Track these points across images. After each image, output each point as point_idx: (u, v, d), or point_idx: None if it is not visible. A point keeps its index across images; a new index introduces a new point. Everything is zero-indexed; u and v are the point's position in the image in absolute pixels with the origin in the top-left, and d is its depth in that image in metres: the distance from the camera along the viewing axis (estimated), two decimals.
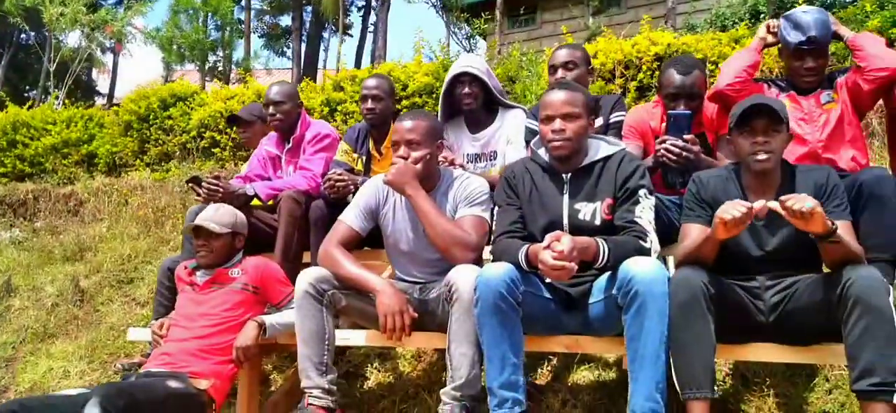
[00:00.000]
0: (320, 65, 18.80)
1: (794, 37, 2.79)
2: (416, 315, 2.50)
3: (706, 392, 2.05)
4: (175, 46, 12.95)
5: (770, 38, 2.95)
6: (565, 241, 2.13)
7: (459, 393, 2.34)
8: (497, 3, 11.71)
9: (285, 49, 18.43)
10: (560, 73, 3.25)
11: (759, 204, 2.00)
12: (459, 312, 2.33)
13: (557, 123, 2.43)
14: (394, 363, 3.55)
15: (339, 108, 6.49)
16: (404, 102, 6.24)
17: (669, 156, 2.70)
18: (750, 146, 2.25)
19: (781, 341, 2.24)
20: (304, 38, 19.28)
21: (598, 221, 2.42)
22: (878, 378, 1.90)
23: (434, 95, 6.06)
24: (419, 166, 2.59)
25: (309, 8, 17.68)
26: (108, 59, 15.64)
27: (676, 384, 2.10)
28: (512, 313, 2.23)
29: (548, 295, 2.43)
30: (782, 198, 1.97)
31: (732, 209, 2.00)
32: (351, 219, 2.71)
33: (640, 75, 5.65)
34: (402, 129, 2.61)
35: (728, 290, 2.22)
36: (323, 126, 3.69)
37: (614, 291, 2.22)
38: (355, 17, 21.95)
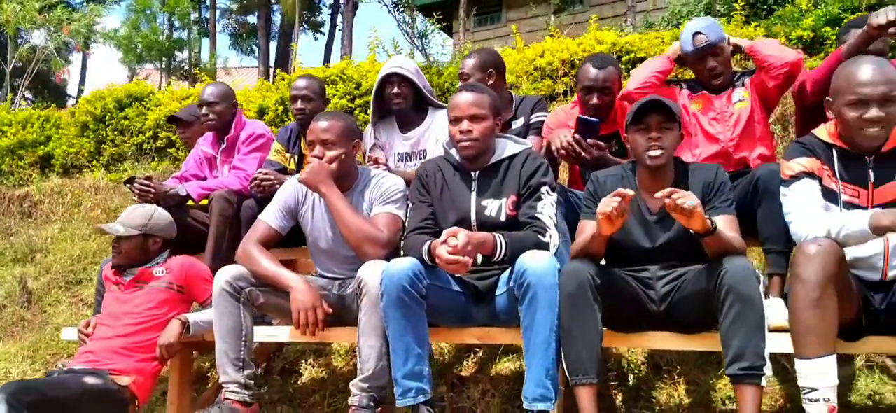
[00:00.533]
0: (295, 63, 18.77)
1: (690, 44, 2.91)
2: (330, 311, 2.57)
3: (591, 377, 2.14)
4: (133, 47, 12.85)
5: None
6: (461, 237, 2.22)
7: (367, 384, 2.42)
8: (460, 3, 11.78)
9: (254, 48, 18.40)
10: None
11: (629, 191, 2.09)
12: (367, 306, 2.41)
13: (465, 124, 2.52)
14: (328, 359, 3.63)
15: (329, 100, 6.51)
16: (358, 101, 6.32)
17: (561, 151, 2.83)
18: (645, 142, 2.35)
19: (673, 329, 2.34)
20: (276, 36, 19.24)
21: (503, 217, 2.51)
22: (747, 362, 2.01)
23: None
24: (334, 165, 2.66)
25: (277, 7, 17.64)
26: (72, 59, 15.50)
27: (565, 370, 2.20)
28: (415, 306, 2.32)
29: (457, 288, 2.52)
30: (669, 190, 2.07)
31: (608, 203, 2.10)
32: (270, 218, 2.78)
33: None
34: (318, 129, 2.68)
35: (620, 281, 2.32)
36: (257, 126, 3.74)
37: (511, 284, 2.31)
38: (326, 16, 21.96)
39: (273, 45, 19.07)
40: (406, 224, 2.69)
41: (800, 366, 1.95)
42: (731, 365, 2.04)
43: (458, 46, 12.53)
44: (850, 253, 2.18)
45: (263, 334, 2.81)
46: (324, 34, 22.26)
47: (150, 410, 3.42)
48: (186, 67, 14.28)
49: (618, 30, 7.30)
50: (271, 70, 16.19)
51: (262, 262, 2.64)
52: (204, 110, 3.66)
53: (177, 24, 14.36)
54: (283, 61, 18.71)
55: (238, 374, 2.58)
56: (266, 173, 3.21)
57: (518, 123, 3.37)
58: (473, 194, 2.56)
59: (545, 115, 3.33)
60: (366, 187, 2.75)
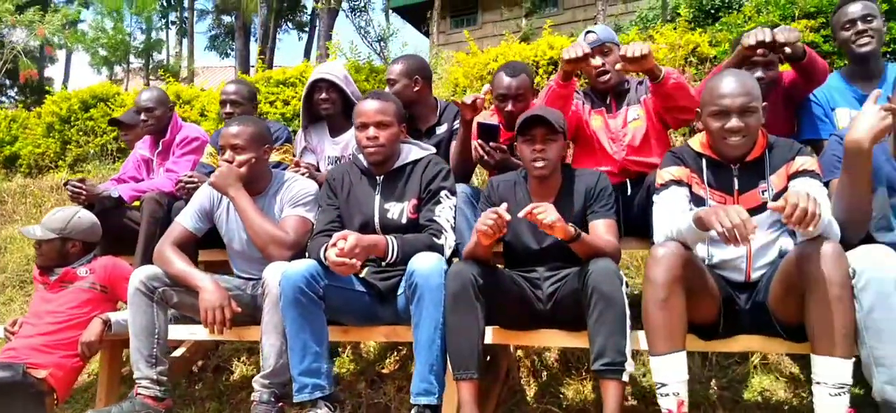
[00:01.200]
0: (277, 62, 18.89)
1: (584, 42, 3.00)
2: (238, 310, 2.67)
3: (472, 373, 2.25)
4: (99, 49, 12.90)
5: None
6: (350, 240, 2.33)
7: (268, 381, 2.53)
8: (434, 6, 11.90)
9: (229, 52, 18.48)
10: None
11: (503, 207, 2.19)
12: (269, 306, 2.51)
13: (371, 131, 2.63)
14: (258, 357, 3.72)
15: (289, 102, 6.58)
16: None
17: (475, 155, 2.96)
18: (530, 153, 2.47)
19: (558, 327, 2.46)
20: (255, 36, 19.28)
21: (404, 220, 2.63)
22: (608, 358, 2.13)
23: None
24: (243, 169, 2.76)
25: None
26: (58, 58, 15.51)
27: (450, 366, 2.31)
28: (312, 306, 2.42)
29: (360, 289, 2.63)
30: (530, 206, 2.18)
31: (483, 220, 2.19)
32: (186, 220, 2.88)
33: (537, 79, 5.88)
34: (228, 134, 2.78)
35: (508, 281, 2.43)
36: (192, 130, 3.84)
37: (404, 284, 2.43)
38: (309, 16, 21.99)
39: (254, 46, 19.26)
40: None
41: (652, 362, 2.07)
42: (595, 361, 2.16)
43: (434, 48, 12.67)
44: (717, 255, 2.31)
45: (180, 333, 2.90)
46: (306, 32, 22.39)
47: (85, 407, 3.51)
48: (166, 67, 14.36)
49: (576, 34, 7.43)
50: (253, 69, 16.26)
51: (176, 263, 2.74)
52: (142, 115, 3.76)
53: (156, 24, 14.45)
54: (266, 60, 18.77)
55: (150, 371, 2.68)
56: (190, 176, 3.31)
57: (442, 129, 3.47)
58: (378, 198, 2.68)
59: (489, 122, 3.43)
60: (278, 191, 2.85)
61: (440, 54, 8.58)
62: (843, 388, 1.89)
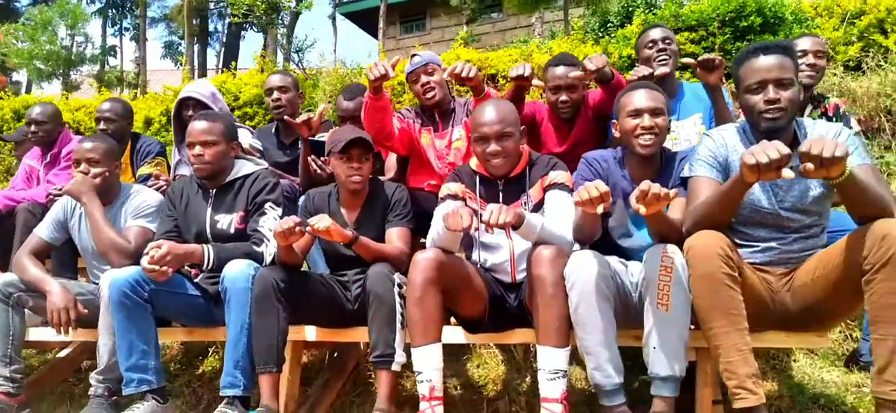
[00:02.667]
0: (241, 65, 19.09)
1: (411, 65, 3.32)
2: (85, 311, 2.93)
3: (271, 367, 2.54)
4: (35, 62, 13.01)
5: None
6: (164, 248, 2.60)
7: (102, 376, 2.79)
8: (381, 11, 12.18)
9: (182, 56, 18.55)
10: (275, 94, 3.72)
11: (322, 221, 2.46)
12: (102, 308, 2.77)
13: (197, 149, 2.90)
14: (209, 356, 3.95)
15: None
16: (237, 111, 6.65)
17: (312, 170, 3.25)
18: (347, 170, 2.77)
19: (365, 324, 2.73)
20: (219, 39, 19.41)
21: (232, 230, 2.90)
22: (379, 351, 2.43)
23: (263, 105, 6.49)
24: (97, 181, 3.03)
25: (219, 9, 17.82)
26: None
27: (255, 361, 2.58)
28: (137, 308, 2.68)
29: (195, 292, 2.90)
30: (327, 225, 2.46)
31: (283, 225, 2.45)
32: (42, 231, 3.14)
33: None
34: (83, 150, 3.05)
35: (317, 284, 2.71)
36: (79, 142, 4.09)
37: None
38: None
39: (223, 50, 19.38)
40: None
41: (412, 353, 2.37)
42: (371, 354, 2.45)
43: (395, 51, 12.94)
44: (489, 260, 2.62)
45: (36, 334, 3.15)
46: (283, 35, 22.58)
47: None
48: (119, 75, 14.50)
49: (512, 43, 7.77)
50: (211, 72, 16.40)
51: (29, 270, 3.00)
52: (32, 128, 3.99)
53: (110, 32, 14.58)
54: (227, 64, 18.95)
55: (4, 369, 2.93)
56: (59, 189, 3.54)
57: None
58: (209, 209, 2.95)
59: (320, 138, 3.72)
60: (124, 202, 3.12)
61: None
62: (558, 372, 2.20)
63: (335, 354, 3.53)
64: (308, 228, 2.46)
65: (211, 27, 20.15)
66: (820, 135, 2.23)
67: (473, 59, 6.33)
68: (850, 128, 3.20)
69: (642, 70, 2.99)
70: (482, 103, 2.60)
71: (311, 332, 2.81)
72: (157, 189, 3.37)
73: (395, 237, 2.71)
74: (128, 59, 16.54)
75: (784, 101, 2.16)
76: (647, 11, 6.39)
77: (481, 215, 2.56)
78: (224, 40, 20.08)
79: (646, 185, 1.98)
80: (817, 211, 2.26)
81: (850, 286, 2.03)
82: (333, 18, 13.99)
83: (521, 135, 2.56)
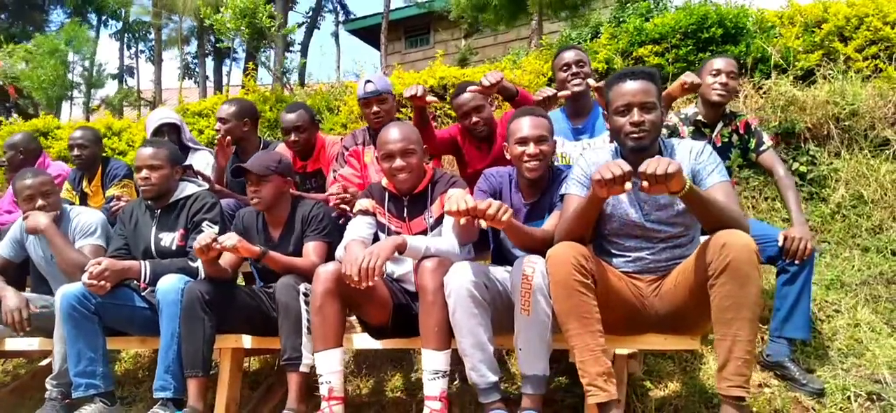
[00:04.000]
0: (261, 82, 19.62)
1: (362, 90, 3.55)
2: (36, 309, 3.22)
3: (198, 372, 2.79)
4: (41, 86, 13.54)
5: None
6: (102, 264, 2.87)
7: (56, 381, 3.07)
8: (382, 28, 12.49)
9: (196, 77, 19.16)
10: (218, 124, 4.00)
11: (229, 239, 2.70)
12: (57, 319, 3.06)
13: (144, 172, 3.17)
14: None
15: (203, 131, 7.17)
16: None
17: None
18: (249, 192, 3.04)
19: None
20: (233, 59, 19.93)
21: (174, 247, 3.18)
22: (288, 354, 2.67)
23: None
24: (55, 211, 3.33)
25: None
26: None
27: (184, 366, 2.83)
28: (84, 320, 2.95)
29: (142, 304, 3.16)
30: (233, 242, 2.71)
31: (199, 241, 2.70)
32: (2, 249, 3.47)
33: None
34: (35, 184, 3.35)
35: (244, 296, 2.96)
36: (56, 167, 4.42)
37: None
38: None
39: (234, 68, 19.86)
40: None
41: (315, 357, 2.59)
42: (281, 357, 2.69)
43: (389, 68, 13.25)
44: (397, 271, 2.84)
45: (13, 344, 3.45)
46: (292, 51, 23.15)
47: None
48: (136, 95, 15.07)
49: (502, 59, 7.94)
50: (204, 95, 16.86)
51: None
52: (75, 151, 4.28)
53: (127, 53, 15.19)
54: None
55: None
56: None
57: None
58: (154, 228, 3.22)
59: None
60: (68, 223, 3.41)
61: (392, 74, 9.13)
62: (437, 373, 2.41)
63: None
64: (218, 245, 2.70)
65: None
66: (677, 154, 2.42)
67: (450, 77, 6.58)
68: (763, 143, 3.36)
69: (546, 91, 3.19)
70: (387, 125, 2.82)
71: (247, 341, 3.05)
72: (113, 211, 3.65)
73: (311, 250, 2.95)
74: (146, 79, 17.16)
75: (647, 123, 2.35)
76: (614, 25, 6.56)
77: (389, 229, 2.81)
78: (246, 55, 20.60)
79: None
80: (683, 223, 2.44)
81: (702, 292, 2.20)
82: (336, 36, 14.38)
83: (423, 153, 2.78)
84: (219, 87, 17.44)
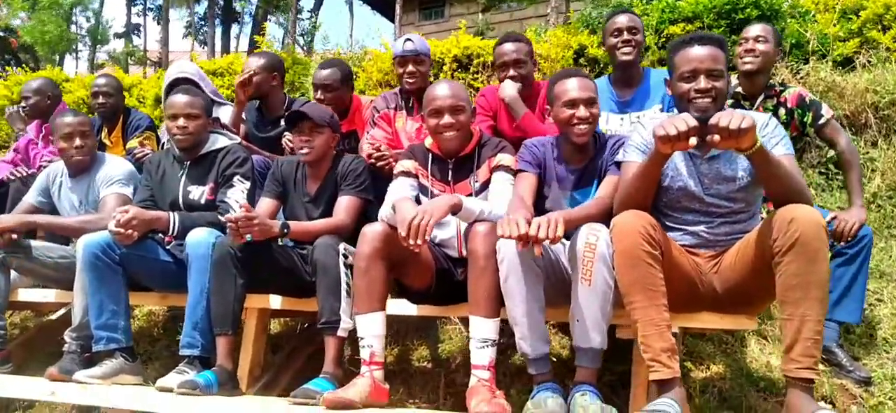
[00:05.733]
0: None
1: (400, 48, 3.41)
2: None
3: (227, 330, 2.67)
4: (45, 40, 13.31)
5: None
6: (130, 213, 2.74)
7: (75, 334, 2.95)
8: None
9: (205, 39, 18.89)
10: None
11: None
12: (77, 270, 2.94)
13: (180, 122, 3.04)
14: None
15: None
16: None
17: (286, 147, 3.37)
18: (297, 142, 2.90)
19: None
20: (245, 20, 19.66)
21: (203, 201, 3.05)
22: (325, 317, 2.56)
23: None
24: (85, 153, 3.27)
25: None
26: None
27: (213, 323, 2.72)
28: (107, 270, 2.83)
29: (166, 258, 3.04)
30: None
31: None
32: (31, 196, 3.38)
33: (441, 74, 6.25)
34: (75, 123, 3.29)
35: (278, 254, 2.82)
36: None
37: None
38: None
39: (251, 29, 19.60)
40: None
41: (356, 319, 2.48)
42: (318, 320, 2.58)
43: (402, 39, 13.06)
44: (439, 236, 2.72)
45: (25, 295, 3.34)
46: (301, 19, 22.89)
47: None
48: (143, 54, 14.87)
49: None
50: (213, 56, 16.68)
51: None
52: (100, 99, 4.14)
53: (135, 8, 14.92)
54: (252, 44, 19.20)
55: None
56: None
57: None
58: (183, 180, 3.09)
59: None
60: (97, 171, 3.30)
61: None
62: (487, 341, 2.30)
63: (306, 326, 3.66)
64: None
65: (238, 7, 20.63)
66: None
67: (474, 47, 6.41)
68: (823, 115, 3.22)
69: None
70: (436, 81, 2.69)
71: (275, 301, 2.94)
72: (137, 158, 3.53)
73: (343, 207, 2.83)
74: (152, 39, 16.94)
75: (715, 91, 2.23)
76: (646, 2, 6.39)
77: (432, 193, 2.68)
78: (253, 20, 20.38)
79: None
80: (744, 198, 2.33)
81: (765, 269, 2.10)
82: (350, 3, 14.16)
83: (472, 113, 2.65)
84: (226, 51, 17.21)
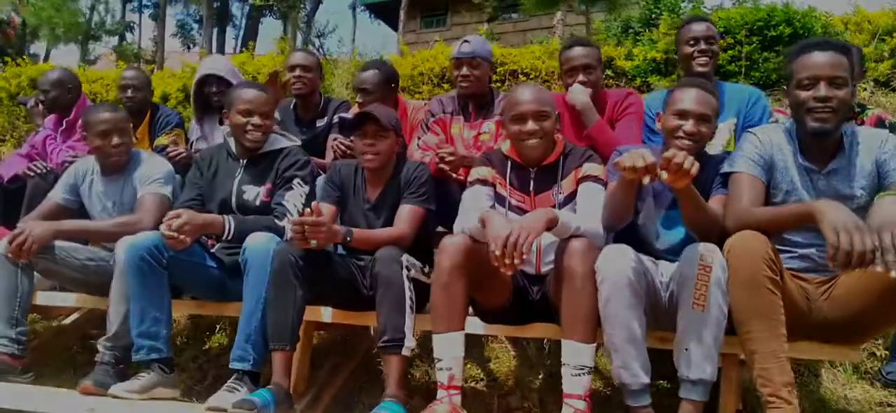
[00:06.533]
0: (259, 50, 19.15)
1: (458, 50, 3.24)
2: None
3: (285, 345, 2.46)
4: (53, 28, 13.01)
5: None
6: (182, 217, 2.53)
7: (111, 343, 2.72)
8: (402, 5, 12.12)
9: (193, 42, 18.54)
10: (298, 71, 3.65)
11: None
12: (116, 274, 2.72)
13: (256, 119, 2.85)
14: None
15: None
16: None
17: (337, 150, 3.17)
18: (362, 147, 2.71)
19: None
20: (243, 19, 19.43)
21: (258, 202, 2.86)
22: (388, 336, 2.35)
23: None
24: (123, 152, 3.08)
25: None
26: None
27: (268, 337, 2.51)
28: (152, 274, 2.61)
29: (211, 263, 2.83)
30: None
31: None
32: (57, 194, 3.15)
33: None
34: (113, 119, 3.06)
35: (338, 265, 2.62)
36: None
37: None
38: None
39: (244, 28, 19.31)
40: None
41: (433, 339, 2.29)
42: (380, 339, 2.38)
43: (415, 45, 12.90)
44: None
45: (43, 298, 3.10)
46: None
47: None
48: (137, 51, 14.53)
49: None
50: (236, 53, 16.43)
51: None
52: (128, 93, 3.92)
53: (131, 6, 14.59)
54: (244, 46, 18.94)
55: (10, 331, 2.86)
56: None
57: (322, 122, 3.72)
58: (237, 180, 2.89)
59: (347, 115, 3.66)
60: (135, 169, 3.09)
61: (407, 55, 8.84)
62: (583, 369, 2.12)
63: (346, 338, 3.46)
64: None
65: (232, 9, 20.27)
66: (861, 143, 2.18)
67: (495, 55, 6.27)
68: None
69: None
70: (516, 86, 2.52)
71: (326, 313, 2.75)
72: (172, 157, 3.32)
73: (404, 216, 2.65)
74: (146, 37, 16.57)
75: (835, 101, 2.11)
76: (671, 15, 6.30)
77: (510, 203, 2.50)
78: (247, 22, 20.11)
79: (671, 153, 1.96)
80: (861, 219, 2.18)
81: (891, 296, 1.95)
82: (354, 8, 13.97)
83: (557, 119, 2.48)
84: (220, 51, 16.92)
